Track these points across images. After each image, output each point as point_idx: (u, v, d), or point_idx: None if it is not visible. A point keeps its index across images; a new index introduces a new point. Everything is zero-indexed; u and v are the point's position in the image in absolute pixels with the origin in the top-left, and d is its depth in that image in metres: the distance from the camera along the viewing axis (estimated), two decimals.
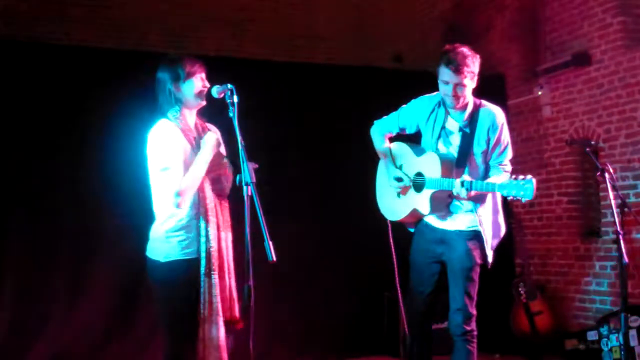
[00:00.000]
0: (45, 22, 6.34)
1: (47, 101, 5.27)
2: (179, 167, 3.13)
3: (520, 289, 6.05)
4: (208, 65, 5.75)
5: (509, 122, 6.72)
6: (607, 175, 3.73)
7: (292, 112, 5.92)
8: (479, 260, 3.63)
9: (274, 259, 2.79)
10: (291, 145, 5.91)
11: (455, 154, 3.62)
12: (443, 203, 3.63)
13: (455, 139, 3.65)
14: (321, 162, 5.96)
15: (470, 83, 3.54)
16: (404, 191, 3.79)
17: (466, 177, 3.45)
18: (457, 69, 3.47)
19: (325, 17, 7.48)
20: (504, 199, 3.56)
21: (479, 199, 3.61)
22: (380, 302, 6.03)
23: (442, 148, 3.68)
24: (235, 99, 3.06)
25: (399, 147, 3.91)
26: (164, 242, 3.19)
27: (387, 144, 3.93)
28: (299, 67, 6.31)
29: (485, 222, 3.65)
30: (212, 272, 3.10)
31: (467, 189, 3.40)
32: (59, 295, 5.21)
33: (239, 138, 3.01)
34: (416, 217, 3.80)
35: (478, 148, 3.62)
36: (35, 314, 5.13)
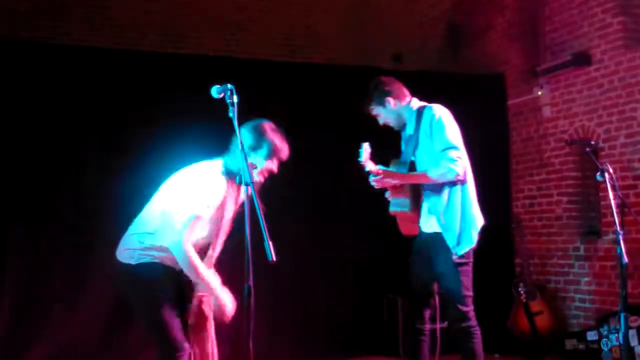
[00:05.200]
0: (45, 22, 6.35)
1: (46, 101, 5.27)
2: (204, 222, 3.21)
3: (520, 289, 6.05)
4: (208, 65, 5.78)
5: (509, 122, 6.82)
6: (607, 175, 3.73)
7: (291, 113, 5.91)
8: (455, 260, 3.70)
9: (274, 259, 2.79)
10: (291, 146, 5.90)
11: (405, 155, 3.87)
12: (402, 197, 3.81)
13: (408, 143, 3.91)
14: (321, 162, 5.95)
15: (378, 111, 3.89)
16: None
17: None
18: (364, 109, 3.94)
19: (325, 17, 7.49)
20: (479, 195, 3.81)
21: (432, 194, 3.74)
22: (380, 302, 6.03)
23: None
24: (235, 99, 3.05)
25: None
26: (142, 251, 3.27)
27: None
28: (298, 67, 6.30)
29: (448, 221, 3.71)
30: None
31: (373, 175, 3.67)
32: (59, 296, 5.21)
33: (239, 138, 3.01)
34: (402, 221, 3.93)
35: (423, 142, 3.78)
36: (35, 314, 5.13)
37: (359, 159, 3.60)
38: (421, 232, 3.86)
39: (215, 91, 3.16)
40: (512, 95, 6.86)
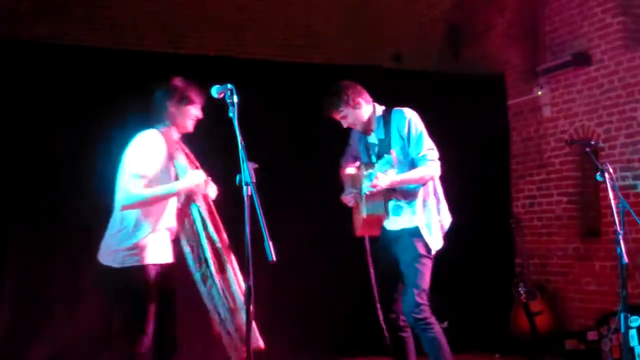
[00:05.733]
0: (45, 22, 6.34)
1: (46, 101, 5.27)
2: (147, 179, 3.29)
3: (520, 289, 6.05)
4: (208, 65, 5.77)
5: (509, 122, 6.82)
6: (607, 175, 3.73)
7: (291, 112, 5.91)
8: (421, 251, 3.79)
9: (274, 259, 2.79)
10: (291, 146, 5.90)
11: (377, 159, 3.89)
12: (378, 201, 3.82)
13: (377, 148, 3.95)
14: (320, 162, 5.94)
15: (347, 113, 3.93)
16: (357, 205, 4.04)
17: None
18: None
19: (325, 17, 7.49)
20: (445, 194, 3.91)
21: (408, 195, 3.81)
22: None
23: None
24: (235, 99, 3.06)
25: (351, 171, 4.18)
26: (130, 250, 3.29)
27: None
28: (298, 67, 6.30)
29: (425, 217, 3.82)
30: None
31: (371, 177, 3.71)
32: (58, 296, 5.21)
33: (239, 138, 3.02)
34: (371, 224, 3.93)
35: (396, 145, 3.83)
36: (35, 314, 5.12)
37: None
38: (385, 231, 3.91)
39: (215, 91, 3.18)
40: (512, 95, 6.86)
